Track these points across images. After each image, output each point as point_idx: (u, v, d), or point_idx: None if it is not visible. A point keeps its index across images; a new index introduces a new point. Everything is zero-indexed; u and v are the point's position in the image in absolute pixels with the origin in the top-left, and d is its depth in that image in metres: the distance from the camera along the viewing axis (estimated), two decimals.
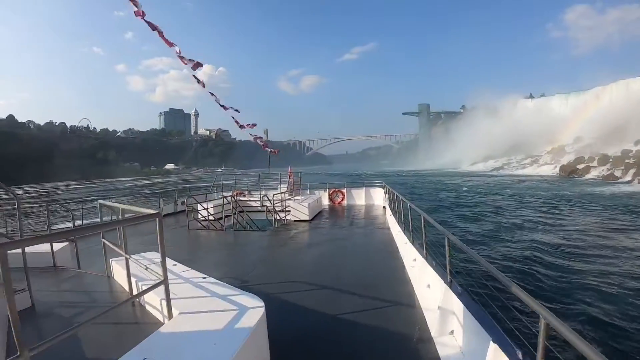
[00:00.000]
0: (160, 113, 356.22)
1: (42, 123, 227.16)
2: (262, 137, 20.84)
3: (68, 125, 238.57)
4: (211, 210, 16.63)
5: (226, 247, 12.12)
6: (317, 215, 18.54)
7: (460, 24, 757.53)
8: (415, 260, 7.89)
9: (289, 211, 17.44)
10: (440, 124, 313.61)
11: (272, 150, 21.78)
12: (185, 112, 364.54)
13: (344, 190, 23.68)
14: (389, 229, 13.71)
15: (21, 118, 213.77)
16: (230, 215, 16.54)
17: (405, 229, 10.49)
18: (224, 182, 25.14)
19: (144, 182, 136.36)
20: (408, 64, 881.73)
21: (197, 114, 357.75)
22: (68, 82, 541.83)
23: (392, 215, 14.42)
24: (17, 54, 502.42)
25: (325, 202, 23.30)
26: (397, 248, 10.48)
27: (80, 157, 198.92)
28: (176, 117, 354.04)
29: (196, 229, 15.34)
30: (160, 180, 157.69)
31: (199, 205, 17.05)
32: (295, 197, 19.96)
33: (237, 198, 19.58)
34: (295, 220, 16.94)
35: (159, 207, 20.26)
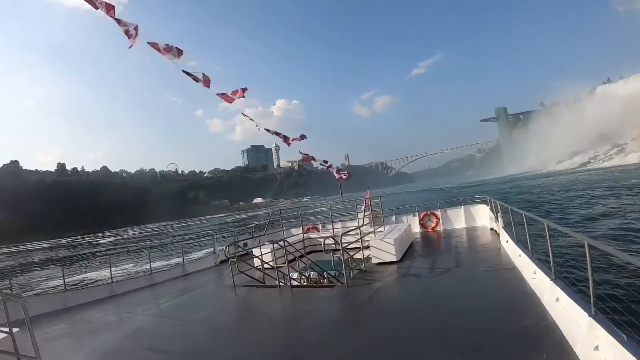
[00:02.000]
0: (243, 150, 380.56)
1: (133, 171, 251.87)
2: (309, 155, 17.87)
3: (157, 170, 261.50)
4: (268, 256, 12.81)
5: (269, 325, 8.09)
6: (407, 252, 13.69)
7: (523, 18, 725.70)
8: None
9: (368, 247, 13.02)
10: (520, 125, 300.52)
11: (340, 172, 17.99)
12: (266, 147, 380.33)
13: (438, 212, 18.75)
14: (513, 267, 8.94)
15: (114, 168, 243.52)
16: (294, 260, 12.42)
17: (557, 277, 6.22)
18: (284, 214, 19.80)
19: (242, 217, 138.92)
20: (478, 69, 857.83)
21: (277, 148, 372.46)
22: (154, 130, 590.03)
23: (510, 242, 10.63)
24: (106, 108, 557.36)
25: (416, 229, 18.64)
26: (547, 315, 5.78)
27: (172, 199, 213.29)
28: (258, 153, 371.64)
29: (243, 285, 11.61)
30: (257, 213, 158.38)
31: (255, 249, 13.39)
32: (378, 229, 15.06)
33: (307, 235, 16.67)
34: (378, 264, 12.42)
35: (214, 252, 17.33)
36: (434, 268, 10.97)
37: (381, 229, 15.26)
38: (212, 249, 17.78)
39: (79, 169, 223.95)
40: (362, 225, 14.44)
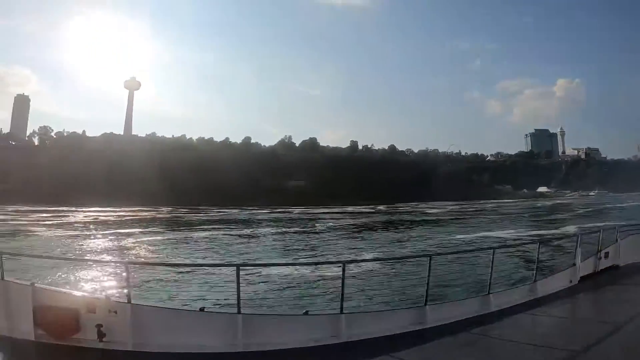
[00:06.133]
0: (526, 135, 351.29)
1: (416, 150, 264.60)
2: None
3: (440, 151, 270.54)
4: None
5: None
6: None
7: None
8: None
9: None
10: None
11: None
12: (550, 131, 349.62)
13: None
14: None
15: (400, 147, 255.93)
16: None
17: None
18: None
19: (538, 205, 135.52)
20: None
21: (562, 133, 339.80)
22: (431, 112, 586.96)
23: None
24: (384, 94, 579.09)
25: None
26: None
27: (455, 180, 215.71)
28: (541, 138, 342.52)
29: None
30: (541, 203, 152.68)
31: None
32: None
33: None
34: None
35: (575, 264, 10.47)
36: None
37: None
38: (569, 254, 11.26)
39: (369, 146, 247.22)
40: None
